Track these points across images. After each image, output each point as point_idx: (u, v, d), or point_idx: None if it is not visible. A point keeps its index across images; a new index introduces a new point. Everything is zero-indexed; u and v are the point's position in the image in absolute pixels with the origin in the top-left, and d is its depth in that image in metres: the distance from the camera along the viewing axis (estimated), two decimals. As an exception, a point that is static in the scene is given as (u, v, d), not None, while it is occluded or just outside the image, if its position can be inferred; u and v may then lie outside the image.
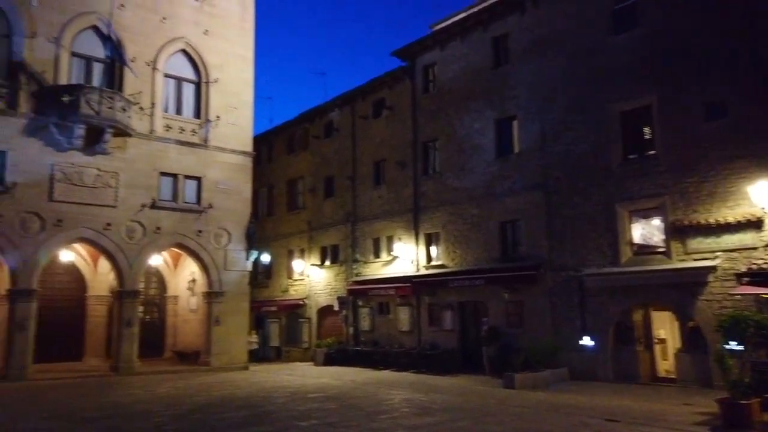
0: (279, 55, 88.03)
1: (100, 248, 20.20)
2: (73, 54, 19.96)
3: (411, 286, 21.05)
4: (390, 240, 23.14)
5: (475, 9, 20.64)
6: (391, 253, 22.82)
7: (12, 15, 18.79)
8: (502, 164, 19.33)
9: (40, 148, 18.79)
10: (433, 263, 21.32)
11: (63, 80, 19.37)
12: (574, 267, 16.79)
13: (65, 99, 18.81)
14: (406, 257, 22.06)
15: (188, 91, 22.55)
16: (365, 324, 23.76)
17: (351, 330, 24.18)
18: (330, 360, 22.81)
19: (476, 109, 20.25)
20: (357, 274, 24.29)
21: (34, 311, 18.39)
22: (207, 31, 22.76)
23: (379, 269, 23.50)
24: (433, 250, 21.56)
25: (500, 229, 19.17)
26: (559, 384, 15.59)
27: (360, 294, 23.70)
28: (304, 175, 28.24)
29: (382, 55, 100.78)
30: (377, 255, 23.74)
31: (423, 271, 21.42)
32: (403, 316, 22.00)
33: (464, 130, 20.62)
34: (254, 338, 24.90)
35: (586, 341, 16.13)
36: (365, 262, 24.15)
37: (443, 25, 22.16)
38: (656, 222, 15.47)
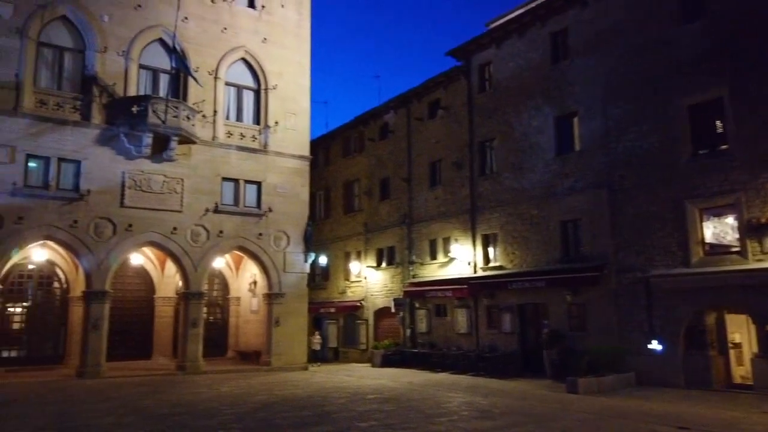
0: (334, 59, 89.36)
1: (167, 251, 21.05)
2: (141, 66, 20.92)
3: (468, 288, 20.82)
4: (446, 241, 22.97)
5: (533, 5, 20.20)
6: (448, 254, 22.65)
7: (85, 31, 19.90)
8: (562, 162, 18.82)
9: (111, 157, 19.78)
10: (491, 265, 21.01)
11: (132, 92, 20.33)
12: (640, 268, 16.12)
13: (134, 109, 19.73)
14: (463, 259, 21.84)
15: (248, 98, 23.22)
16: (422, 326, 23.68)
17: (408, 332, 24.15)
18: (387, 361, 22.87)
19: (534, 107, 19.83)
20: (413, 276, 24.25)
21: (107, 312, 19.35)
22: (265, 39, 23.35)
23: (435, 271, 23.38)
24: (491, 251, 21.25)
25: (561, 230, 18.67)
26: (625, 389, 14.99)
27: (416, 296, 23.64)
28: (360, 177, 28.47)
29: (435, 55, 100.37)
30: (433, 257, 23.62)
31: (481, 273, 21.14)
32: (461, 318, 21.77)
33: (522, 129, 20.23)
34: (318, 339, 25.24)
35: (654, 345, 15.45)
36: (421, 264, 24.08)
37: (499, 22, 21.83)
38: (730, 220, 14.65)
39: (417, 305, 23.93)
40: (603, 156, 17.51)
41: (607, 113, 17.52)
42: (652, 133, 16.29)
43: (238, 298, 26.14)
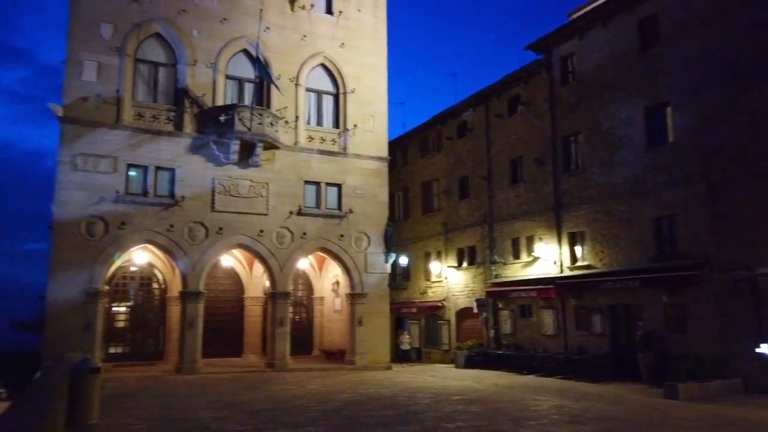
0: (410, 60, 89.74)
1: (254, 253, 21.91)
2: (228, 77, 21.93)
3: (555, 288, 20.12)
4: (530, 240, 22.35)
5: (617, -9, 19.25)
6: (532, 253, 22.02)
7: (176, 46, 21.11)
8: (654, 155, 17.77)
9: (202, 164, 20.86)
10: (579, 264, 20.20)
11: (219, 101, 21.34)
12: (745, 265, 14.88)
13: (222, 118, 20.71)
14: (548, 258, 21.14)
15: (327, 102, 23.74)
16: (506, 327, 23.16)
17: (491, 333, 23.72)
18: (471, 363, 22.56)
19: (622, 98, 18.87)
20: (496, 276, 23.78)
21: (201, 311, 20.42)
22: (343, 44, 23.78)
23: (519, 270, 22.80)
24: (578, 250, 20.43)
25: (654, 226, 17.62)
26: (731, 396, 13.92)
27: (500, 296, 23.17)
28: (438, 177, 28.31)
29: (512, 51, 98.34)
30: (516, 256, 23.05)
31: (567, 273, 20.39)
32: (547, 319, 21.09)
33: (609, 122, 19.31)
34: (407, 338, 25.17)
35: (765, 349, 14.22)
36: (504, 264, 23.57)
37: (582, 12, 20.98)
38: None
39: (500, 306, 23.45)
40: (700, 147, 16.34)
41: (703, 101, 16.34)
42: (756, 120, 15.02)
43: (321, 298, 26.75)
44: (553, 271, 20.85)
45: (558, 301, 20.56)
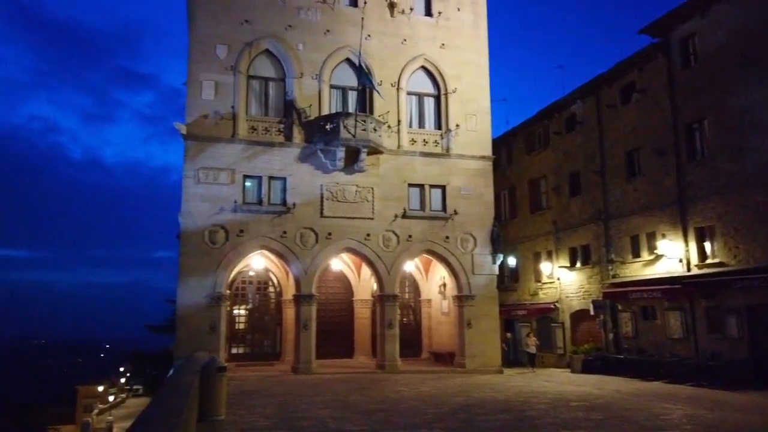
0: (512, 55, 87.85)
1: (362, 256, 22.34)
2: (331, 86, 22.59)
3: (682, 288, 18.58)
4: (651, 237, 20.84)
5: (744, -40, 17.49)
6: (654, 251, 20.50)
7: (284, 61, 22.11)
8: (795, 138, 15.88)
9: (311, 172, 21.64)
10: (709, 261, 18.52)
11: (325, 110, 22.04)
12: None
13: (327, 127, 21.36)
14: (673, 255, 19.58)
15: (429, 104, 23.70)
16: (627, 330, 21.75)
17: (610, 336, 22.38)
18: (588, 367, 21.43)
19: (756, 77, 17.06)
20: (613, 276, 22.42)
21: (314, 313, 21.14)
22: (443, 44, 23.64)
23: (639, 270, 21.33)
24: (707, 246, 18.74)
25: (799, 217, 15.73)
26: None
27: (618, 297, 21.80)
28: (546, 173, 27.28)
29: (618, 39, 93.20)
30: (636, 254, 21.58)
31: (695, 271, 18.76)
32: (674, 321, 19.53)
33: (740, 104, 17.54)
34: (533, 340, 24.20)
35: None
36: (622, 263, 22.16)
37: (701, -13, 19.27)
38: None
39: (620, 307, 22.07)
40: None
41: None
42: None
43: (429, 300, 26.71)
44: (678, 270, 19.29)
45: (686, 302, 18.99)
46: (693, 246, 19.05)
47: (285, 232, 21.04)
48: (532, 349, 23.79)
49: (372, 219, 21.97)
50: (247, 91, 21.71)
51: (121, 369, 48.73)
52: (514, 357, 26.33)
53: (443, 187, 22.96)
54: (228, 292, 21.55)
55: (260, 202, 21.10)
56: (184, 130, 20.61)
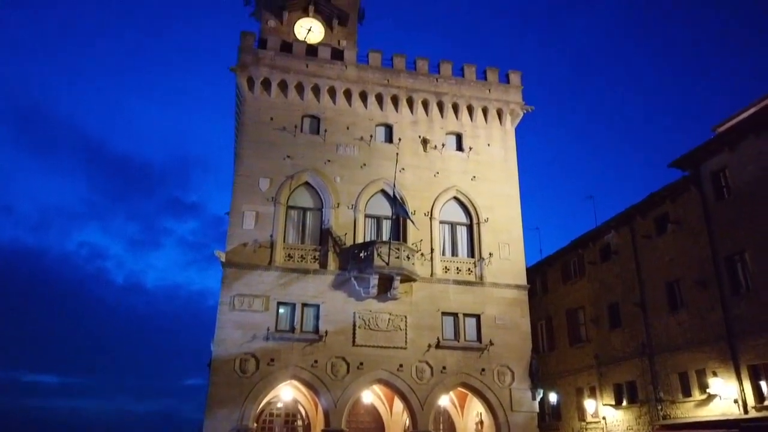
0: (544, 186, 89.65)
1: (394, 389, 21.45)
2: (366, 215, 23.27)
3: (741, 433, 17.07)
4: (701, 374, 19.59)
5: None
6: (706, 390, 19.16)
7: (322, 192, 23.09)
8: None
9: (344, 299, 21.62)
10: (767, 403, 17.12)
11: (359, 239, 22.50)
12: None
13: (362, 255, 21.68)
14: (727, 395, 18.23)
15: (461, 233, 24.00)
16: (684, 479, 19.71)
17: (667, 486, 20.28)
18: None
19: (792, 210, 16.90)
20: (664, 417, 20.83)
21: (342, 451, 19.92)
22: (474, 177, 24.46)
23: (691, 410, 19.81)
24: (763, 385, 17.45)
25: None
26: None
27: (672, 441, 20.06)
28: (583, 304, 26.56)
29: (648, 171, 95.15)
30: (687, 393, 20.18)
31: (753, 413, 17.30)
32: (737, 471, 17.68)
33: (780, 236, 17.22)
34: None
35: None
36: (672, 402, 20.67)
37: (730, 124, 19.87)
38: None
39: (674, 453, 20.22)
40: None
41: None
42: None
43: (465, 439, 25.01)
44: (735, 412, 17.84)
45: (748, 450, 17.29)
46: (747, 385, 17.76)
47: (316, 361, 20.59)
48: None
49: (405, 348, 21.41)
50: (285, 221, 22.48)
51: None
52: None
53: (478, 317, 22.49)
54: (255, 425, 20.73)
55: (293, 329, 20.95)
56: (223, 257, 21.18)
